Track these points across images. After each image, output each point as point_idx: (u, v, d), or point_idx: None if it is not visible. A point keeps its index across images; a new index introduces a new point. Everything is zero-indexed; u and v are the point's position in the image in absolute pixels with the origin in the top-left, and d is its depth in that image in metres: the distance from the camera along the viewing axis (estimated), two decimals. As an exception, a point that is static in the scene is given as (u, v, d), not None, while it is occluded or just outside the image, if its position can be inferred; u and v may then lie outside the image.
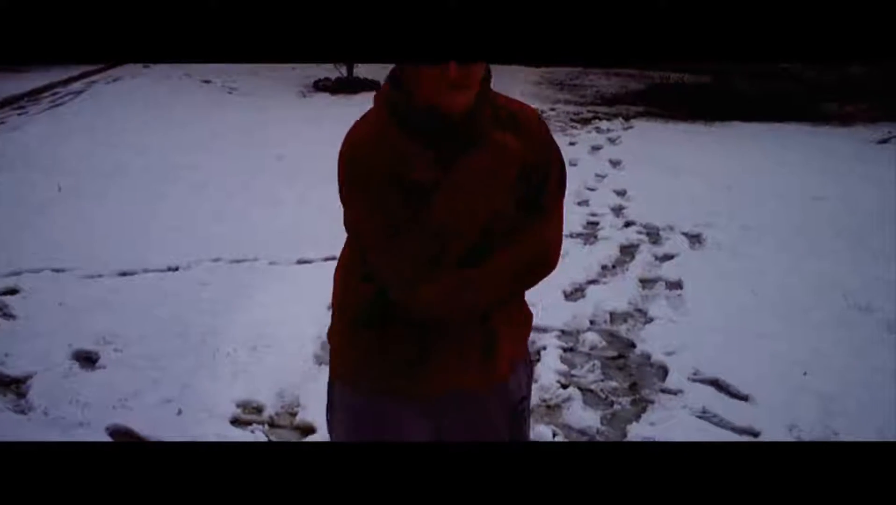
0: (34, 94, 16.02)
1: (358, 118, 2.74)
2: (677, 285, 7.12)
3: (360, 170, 2.62)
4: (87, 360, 5.74)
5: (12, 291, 6.73)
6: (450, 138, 2.62)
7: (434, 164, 2.61)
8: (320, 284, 6.73)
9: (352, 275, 2.80)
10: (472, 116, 2.63)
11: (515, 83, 16.86)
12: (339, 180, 2.69)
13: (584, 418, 5.15)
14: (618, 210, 9.20)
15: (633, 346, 6.08)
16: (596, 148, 12.10)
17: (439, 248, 2.59)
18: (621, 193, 9.78)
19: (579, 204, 9.40)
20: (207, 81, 16.78)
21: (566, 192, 2.83)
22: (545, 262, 2.76)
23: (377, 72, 17.45)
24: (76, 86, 16.77)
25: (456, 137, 2.62)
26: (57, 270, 7.07)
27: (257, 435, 4.82)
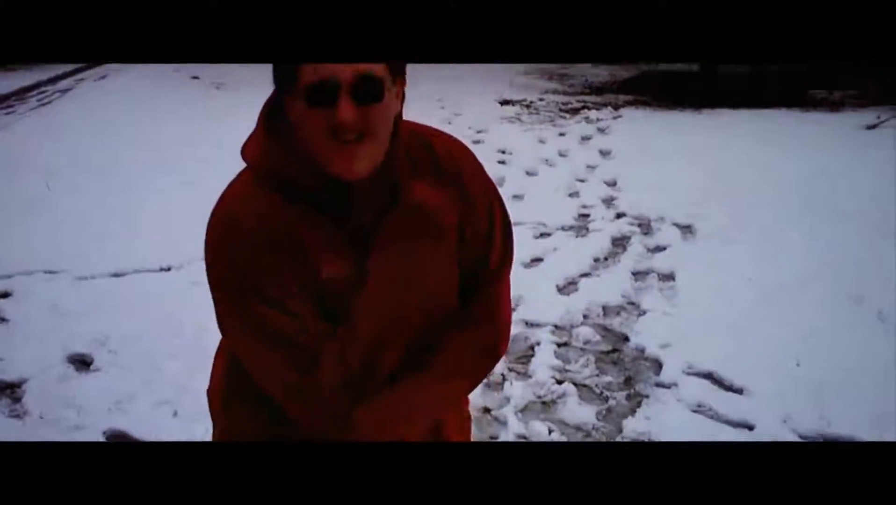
0: (22, 93, 15.97)
1: (221, 194, 2.09)
2: (670, 277, 7.13)
3: (237, 273, 1.98)
4: (82, 362, 5.74)
5: (4, 295, 6.72)
6: (356, 207, 2.02)
7: (345, 248, 2.02)
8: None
9: (237, 399, 2.24)
10: (385, 173, 2.02)
11: (503, 73, 16.86)
12: (209, 280, 2.04)
13: (579, 414, 5.15)
14: (609, 201, 9.20)
15: (627, 339, 6.09)
16: (586, 138, 12.10)
17: (369, 360, 2.02)
18: (612, 184, 9.78)
19: (570, 196, 9.41)
20: (195, 77, 16.77)
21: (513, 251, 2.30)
22: (499, 346, 2.25)
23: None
24: (64, 84, 16.73)
25: (364, 202, 2.02)
26: (49, 272, 7.06)
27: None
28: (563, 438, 4.91)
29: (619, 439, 4.91)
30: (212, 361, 2.41)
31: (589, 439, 4.93)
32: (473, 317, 2.19)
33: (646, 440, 4.85)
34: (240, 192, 2.05)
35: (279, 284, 1.96)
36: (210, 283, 2.01)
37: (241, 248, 1.96)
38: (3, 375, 5.56)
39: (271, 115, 2.06)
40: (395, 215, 2.04)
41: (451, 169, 2.15)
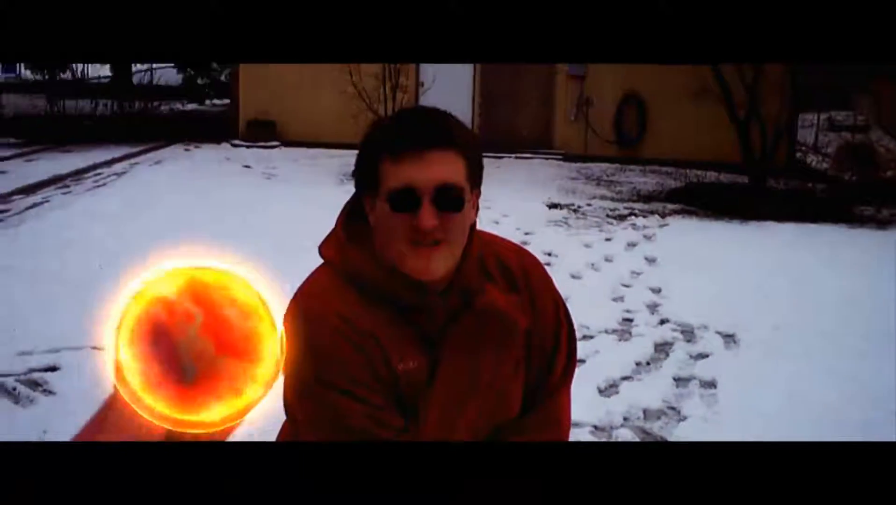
0: (78, 174, 16.29)
1: (301, 288, 2.17)
2: (711, 384, 7.12)
3: (321, 367, 2.03)
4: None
5: (52, 369, 6.82)
6: (430, 309, 2.08)
7: (419, 347, 2.08)
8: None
9: None
10: (459, 277, 2.09)
11: (550, 178, 17.01)
12: (287, 391, 2.08)
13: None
14: (653, 307, 9.22)
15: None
16: (632, 244, 12.17)
17: None
18: (656, 291, 9.81)
19: (614, 300, 9.45)
20: (248, 167, 17.00)
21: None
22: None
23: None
24: (119, 167, 17.04)
25: (437, 304, 2.08)
26: (96, 348, 7.15)
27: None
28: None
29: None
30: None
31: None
32: (536, 424, 2.23)
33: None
34: (320, 288, 2.12)
35: (357, 378, 2.02)
36: (285, 379, 1.98)
37: (322, 344, 2.02)
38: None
39: (350, 216, 2.15)
40: (466, 318, 2.09)
41: (521, 278, 2.21)
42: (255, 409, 1.20)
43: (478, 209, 2.16)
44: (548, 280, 2.29)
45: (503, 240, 2.34)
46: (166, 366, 1.15)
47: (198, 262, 1.16)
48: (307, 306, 2.09)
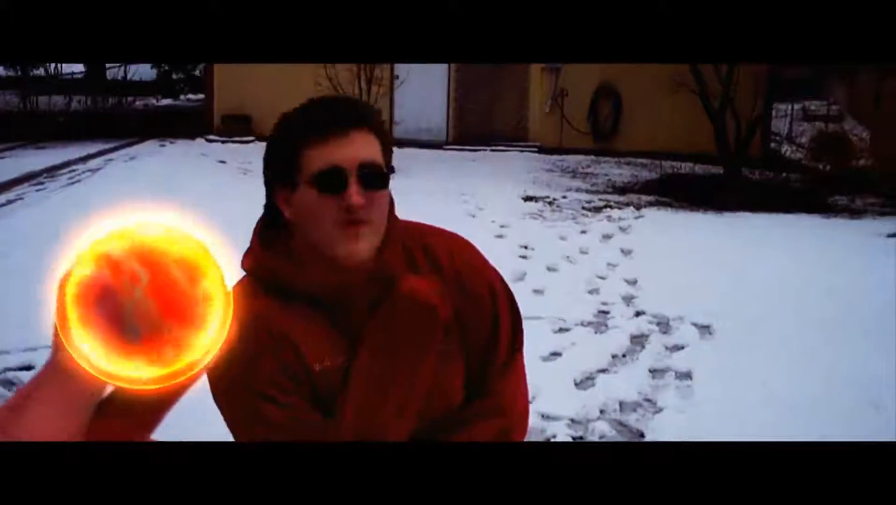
0: (53, 171, 16.22)
1: None
2: (687, 376, 7.16)
3: (235, 371, 1.99)
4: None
5: (28, 368, 6.80)
6: (348, 297, 2.08)
7: (339, 343, 2.09)
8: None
9: None
10: (379, 265, 2.07)
11: (525, 170, 17.03)
12: (211, 390, 2.06)
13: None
14: (629, 299, 9.26)
15: (643, 435, 6.10)
16: (607, 236, 12.21)
17: None
18: (632, 283, 9.85)
19: (590, 293, 9.49)
20: (223, 162, 16.95)
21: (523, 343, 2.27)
22: (513, 437, 2.24)
23: (398, 159, 17.63)
24: (94, 163, 16.98)
25: (358, 295, 2.08)
26: (72, 347, 7.12)
27: None
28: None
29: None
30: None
31: None
32: (479, 414, 2.19)
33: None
34: (237, 295, 2.06)
35: (272, 380, 2.02)
36: (210, 380, 2.01)
37: (239, 348, 1.97)
38: (23, 446, 5.60)
39: (266, 227, 2.18)
40: (385, 309, 2.06)
41: (447, 264, 2.18)
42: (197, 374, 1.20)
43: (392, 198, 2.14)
44: (480, 263, 2.24)
45: (432, 227, 2.31)
46: (111, 326, 1.15)
47: (147, 221, 1.16)
48: None
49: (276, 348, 2.03)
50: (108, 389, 1.20)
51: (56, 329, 1.19)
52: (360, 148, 2.03)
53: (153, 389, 1.25)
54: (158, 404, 1.24)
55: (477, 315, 2.18)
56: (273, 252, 2.11)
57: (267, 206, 2.18)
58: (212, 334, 1.21)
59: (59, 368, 1.20)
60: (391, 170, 2.14)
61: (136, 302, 1.23)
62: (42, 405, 1.16)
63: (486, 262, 2.27)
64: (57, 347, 1.22)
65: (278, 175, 2.12)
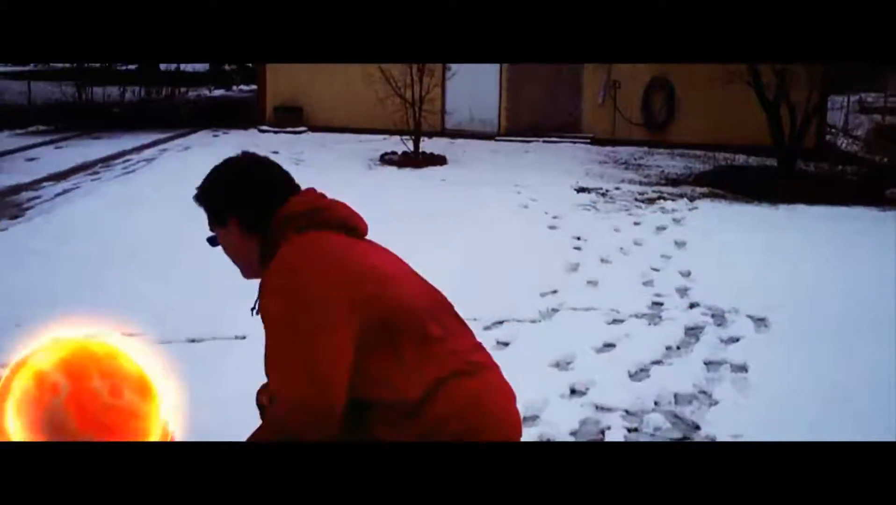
0: (108, 161, 16.35)
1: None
2: (743, 368, 7.09)
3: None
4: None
5: (83, 354, 6.84)
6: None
7: None
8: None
9: None
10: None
11: (578, 162, 16.95)
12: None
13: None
14: (683, 291, 9.19)
15: (698, 428, 6.05)
16: (661, 228, 12.12)
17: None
18: (686, 275, 9.77)
19: (644, 284, 9.42)
20: (276, 152, 17.00)
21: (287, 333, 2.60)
22: (302, 406, 2.51)
23: (445, 147, 17.62)
24: (148, 153, 17.10)
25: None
26: (126, 335, 7.16)
27: None
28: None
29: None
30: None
31: None
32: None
33: None
34: None
35: None
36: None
37: None
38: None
39: None
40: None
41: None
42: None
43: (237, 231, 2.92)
44: (274, 271, 2.70)
45: (288, 248, 2.77)
46: (35, 431, 1.17)
47: (86, 333, 1.20)
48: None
49: None
50: None
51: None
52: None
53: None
54: None
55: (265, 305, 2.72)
56: None
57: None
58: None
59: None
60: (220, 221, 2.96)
61: (53, 412, 1.26)
62: None
63: (280, 276, 2.69)
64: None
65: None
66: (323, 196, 3.01)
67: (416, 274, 2.98)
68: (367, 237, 3.03)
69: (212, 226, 2.96)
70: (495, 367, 2.94)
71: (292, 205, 2.88)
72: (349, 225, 2.95)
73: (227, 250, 2.96)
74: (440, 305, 2.88)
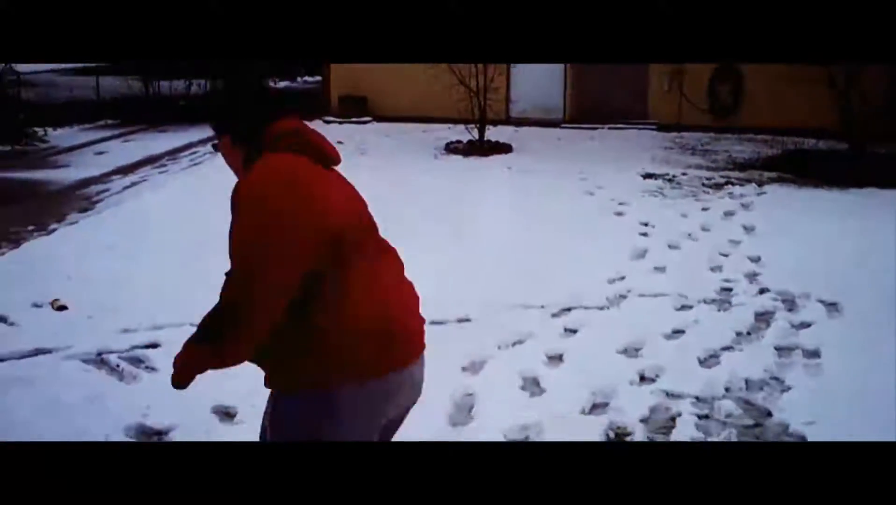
0: (174, 153, 16.50)
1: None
2: (815, 354, 6.99)
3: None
4: (227, 415, 5.85)
5: (154, 346, 6.91)
6: None
7: None
8: (452, 345, 6.78)
9: None
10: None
11: (643, 148, 16.83)
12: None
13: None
14: (752, 276, 9.08)
15: (770, 414, 5.97)
16: (729, 213, 11.99)
17: None
18: (755, 260, 9.65)
19: (712, 270, 9.33)
20: (340, 142, 17.04)
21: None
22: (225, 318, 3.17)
23: (510, 135, 17.58)
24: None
25: None
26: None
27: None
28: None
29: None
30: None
31: None
32: None
33: None
34: None
35: None
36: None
37: None
38: (151, 422, 5.70)
39: None
40: None
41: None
42: None
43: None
44: (234, 192, 3.15)
45: (259, 163, 3.24)
46: None
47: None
48: None
49: None
50: None
51: None
52: None
53: None
54: None
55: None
56: None
57: None
58: None
59: None
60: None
61: None
62: None
63: (244, 189, 3.15)
64: None
65: None
66: (303, 124, 3.45)
67: (353, 202, 3.48)
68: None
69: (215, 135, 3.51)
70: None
71: (274, 128, 3.32)
72: (322, 152, 3.41)
73: (223, 156, 3.48)
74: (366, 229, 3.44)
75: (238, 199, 3.11)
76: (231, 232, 3.13)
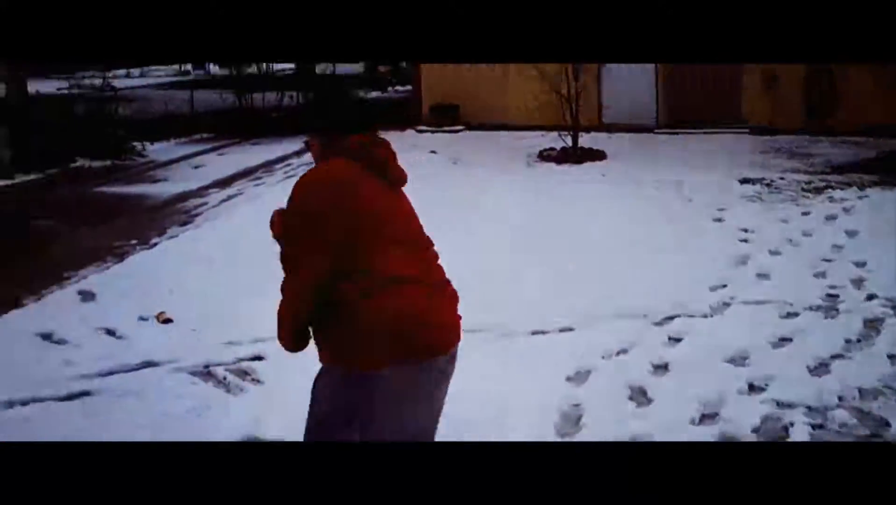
0: (269, 165, 16.65)
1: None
2: (931, 361, 6.82)
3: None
4: (333, 426, 5.85)
5: (258, 358, 6.96)
6: None
7: None
8: (556, 354, 6.73)
9: None
10: None
11: (738, 152, 16.62)
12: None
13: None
14: (858, 282, 8.89)
15: (888, 424, 5.83)
16: (830, 218, 11.77)
17: None
18: (861, 265, 9.45)
19: (816, 276, 9.16)
20: (433, 151, 17.09)
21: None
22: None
23: (602, 142, 17.47)
24: (308, 156, 17.31)
25: None
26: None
27: None
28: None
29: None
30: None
31: None
32: None
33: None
34: None
35: None
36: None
37: None
38: (258, 432, 5.73)
39: None
40: None
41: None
42: None
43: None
44: (300, 182, 3.81)
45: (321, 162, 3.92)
46: None
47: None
48: None
49: None
50: None
51: None
52: None
53: None
54: None
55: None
56: None
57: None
58: None
59: None
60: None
61: None
62: None
63: (302, 187, 3.78)
64: None
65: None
66: (375, 139, 3.93)
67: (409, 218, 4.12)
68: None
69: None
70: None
71: (350, 138, 3.82)
72: (383, 167, 3.86)
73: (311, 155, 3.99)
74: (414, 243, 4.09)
75: (292, 192, 3.74)
76: (284, 231, 3.85)
